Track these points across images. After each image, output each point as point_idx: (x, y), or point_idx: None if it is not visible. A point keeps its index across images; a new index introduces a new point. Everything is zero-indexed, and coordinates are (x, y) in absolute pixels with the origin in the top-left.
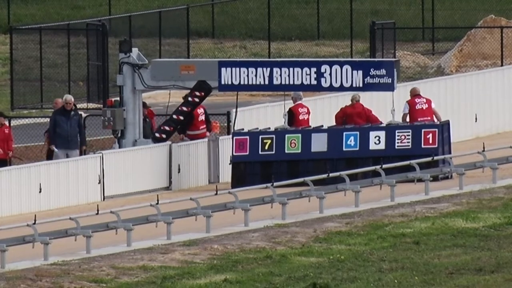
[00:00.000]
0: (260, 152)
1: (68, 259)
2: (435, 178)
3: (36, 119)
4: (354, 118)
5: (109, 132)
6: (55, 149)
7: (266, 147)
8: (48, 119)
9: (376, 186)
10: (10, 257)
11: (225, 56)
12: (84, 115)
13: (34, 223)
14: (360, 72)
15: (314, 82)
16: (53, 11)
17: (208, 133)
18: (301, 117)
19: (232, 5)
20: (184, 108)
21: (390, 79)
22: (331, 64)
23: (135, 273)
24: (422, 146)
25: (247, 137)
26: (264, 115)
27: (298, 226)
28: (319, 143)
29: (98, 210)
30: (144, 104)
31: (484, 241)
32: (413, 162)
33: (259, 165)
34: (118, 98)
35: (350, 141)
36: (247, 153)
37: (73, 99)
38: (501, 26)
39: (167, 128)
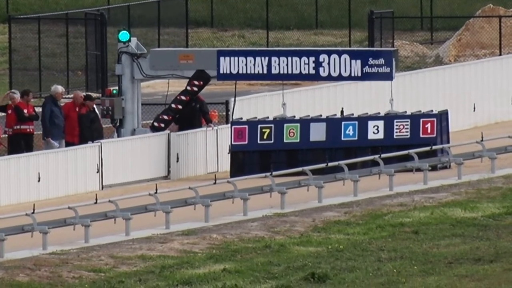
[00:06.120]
0: (258, 141)
1: (67, 249)
2: (433, 168)
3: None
4: None
5: (107, 122)
6: (54, 142)
7: (265, 136)
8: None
9: (375, 175)
10: (9, 247)
11: (223, 45)
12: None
13: (33, 213)
14: (359, 61)
15: (312, 71)
16: (51, 0)
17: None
18: None
19: None
20: (183, 97)
21: (389, 69)
22: (329, 53)
23: (133, 263)
24: (421, 135)
25: (246, 126)
26: (262, 104)
27: (297, 216)
28: (317, 133)
29: (96, 199)
30: (90, 97)
31: (482, 231)
32: (412, 151)
33: (257, 154)
34: (116, 88)
35: (349, 130)
36: (246, 142)
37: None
38: (500, 15)
39: (165, 117)
